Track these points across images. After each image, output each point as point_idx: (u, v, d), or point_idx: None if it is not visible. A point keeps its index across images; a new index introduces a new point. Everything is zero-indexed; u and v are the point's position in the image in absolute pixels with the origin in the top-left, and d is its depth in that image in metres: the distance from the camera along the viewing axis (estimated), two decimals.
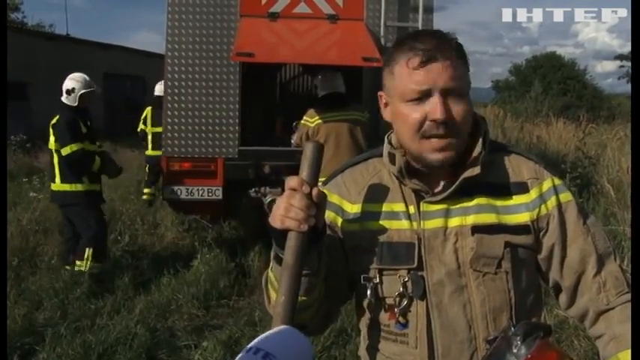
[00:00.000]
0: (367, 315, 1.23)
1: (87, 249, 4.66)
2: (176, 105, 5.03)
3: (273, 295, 1.13)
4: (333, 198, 1.22)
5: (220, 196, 5.05)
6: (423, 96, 1.09)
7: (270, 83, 5.93)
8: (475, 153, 1.15)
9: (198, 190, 5.08)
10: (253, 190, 5.04)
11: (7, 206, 5.32)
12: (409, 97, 1.11)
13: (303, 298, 1.10)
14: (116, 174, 5.14)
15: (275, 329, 0.97)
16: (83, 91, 4.80)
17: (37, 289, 4.44)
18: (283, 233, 1.04)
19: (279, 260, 1.07)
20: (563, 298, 1.22)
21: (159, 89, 7.18)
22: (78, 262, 4.64)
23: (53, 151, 4.76)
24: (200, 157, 5.04)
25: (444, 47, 1.10)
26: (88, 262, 4.62)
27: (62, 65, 6.45)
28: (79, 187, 4.70)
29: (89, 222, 4.74)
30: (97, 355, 3.49)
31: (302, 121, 4.56)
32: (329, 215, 1.20)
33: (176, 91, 5.03)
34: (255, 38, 4.78)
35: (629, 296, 1.15)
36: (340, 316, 3.61)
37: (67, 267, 4.77)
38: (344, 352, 3.52)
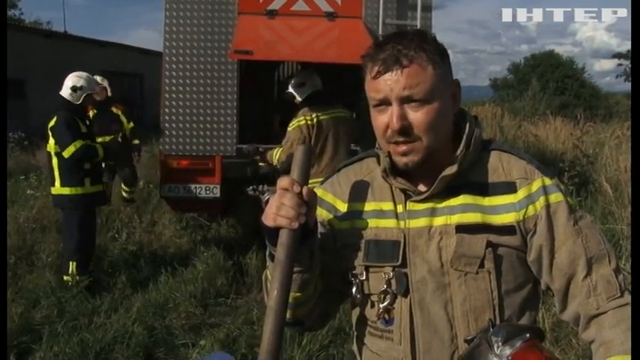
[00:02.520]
0: (357, 311, 1.26)
1: (70, 263, 4.49)
2: (174, 102, 5.02)
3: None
4: (328, 197, 1.27)
5: (218, 194, 5.04)
6: (383, 103, 1.13)
7: (268, 81, 5.92)
8: (457, 152, 1.16)
9: (196, 187, 5.07)
10: (251, 188, 5.03)
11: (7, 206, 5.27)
12: (373, 104, 1.16)
13: (298, 294, 1.15)
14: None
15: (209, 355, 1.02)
16: (90, 92, 4.71)
17: (34, 288, 4.43)
18: (276, 231, 1.08)
19: (273, 258, 1.10)
20: (556, 301, 1.21)
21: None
22: (65, 277, 4.49)
23: (52, 154, 4.56)
24: (198, 154, 5.03)
25: (405, 54, 1.10)
26: (75, 278, 4.44)
27: (59, 63, 6.43)
28: (79, 190, 4.53)
29: (73, 230, 4.55)
30: (95, 353, 3.48)
31: (297, 123, 4.38)
32: (322, 214, 1.24)
33: (174, 88, 5.02)
34: (253, 36, 4.78)
35: (621, 301, 1.12)
36: (338, 314, 3.61)
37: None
38: (342, 351, 3.52)
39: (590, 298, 1.13)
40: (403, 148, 1.13)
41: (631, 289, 1.15)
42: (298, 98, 4.51)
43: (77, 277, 4.45)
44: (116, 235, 5.80)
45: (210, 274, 4.81)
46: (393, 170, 1.18)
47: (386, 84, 1.11)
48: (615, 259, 1.17)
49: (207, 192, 5.04)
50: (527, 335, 0.99)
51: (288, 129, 4.46)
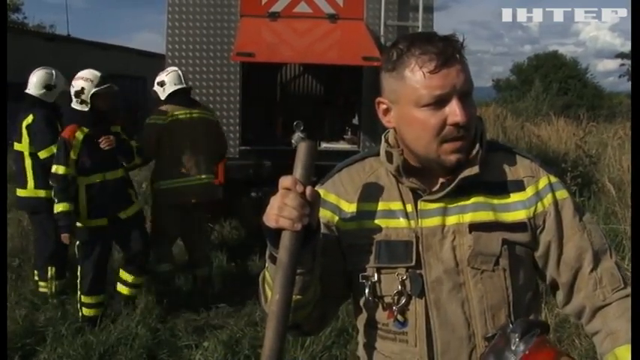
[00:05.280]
0: (365, 314, 1.23)
1: (49, 268, 4.31)
2: None
3: (269, 293, 1.13)
4: (331, 197, 1.23)
5: (221, 196, 5.04)
6: (442, 100, 1.09)
7: (271, 83, 5.93)
8: (473, 152, 1.15)
9: None
10: (255, 192, 5.01)
11: (7, 207, 5.28)
12: (425, 102, 1.09)
13: (299, 296, 1.11)
14: None
15: None
16: (63, 89, 4.27)
17: (38, 290, 4.43)
18: (277, 232, 1.05)
19: (273, 259, 1.07)
20: (559, 295, 1.23)
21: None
22: (42, 284, 4.36)
23: (26, 154, 4.29)
24: None
25: (455, 49, 1.10)
26: (53, 283, 4.32)
27: (63, 66, 6.40)
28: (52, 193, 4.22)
29: (50, 235, 4.25)
30: (99, 355, 3.49)
31: (149, 121, 4.31)
32: (326, 214, 1.21)
33: None
34: (255, 38, 4.79)
35: (624, 292, 1.16)
36: (341, 315, 3.61)
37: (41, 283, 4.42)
38: (345, 352, 3.51)
39: (596, 291, 1.16)
40: (459, 145, 1.12)
41: (631, 289, 1.17)
42: (160, 97, 4.44)
43: (55, 282, 4.34)
44: None
45: (213, 275, 4.81)
46: (404, 169, 1.17)
47: (446, 79, 1.08)
48: (615, 253, 1.21)
49: None
50: (538, 330, 1.02)
51: (145, 125, 4.37)
